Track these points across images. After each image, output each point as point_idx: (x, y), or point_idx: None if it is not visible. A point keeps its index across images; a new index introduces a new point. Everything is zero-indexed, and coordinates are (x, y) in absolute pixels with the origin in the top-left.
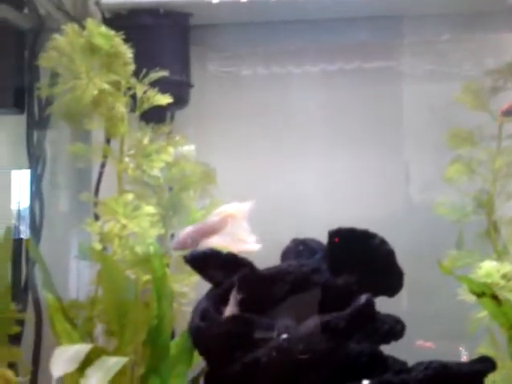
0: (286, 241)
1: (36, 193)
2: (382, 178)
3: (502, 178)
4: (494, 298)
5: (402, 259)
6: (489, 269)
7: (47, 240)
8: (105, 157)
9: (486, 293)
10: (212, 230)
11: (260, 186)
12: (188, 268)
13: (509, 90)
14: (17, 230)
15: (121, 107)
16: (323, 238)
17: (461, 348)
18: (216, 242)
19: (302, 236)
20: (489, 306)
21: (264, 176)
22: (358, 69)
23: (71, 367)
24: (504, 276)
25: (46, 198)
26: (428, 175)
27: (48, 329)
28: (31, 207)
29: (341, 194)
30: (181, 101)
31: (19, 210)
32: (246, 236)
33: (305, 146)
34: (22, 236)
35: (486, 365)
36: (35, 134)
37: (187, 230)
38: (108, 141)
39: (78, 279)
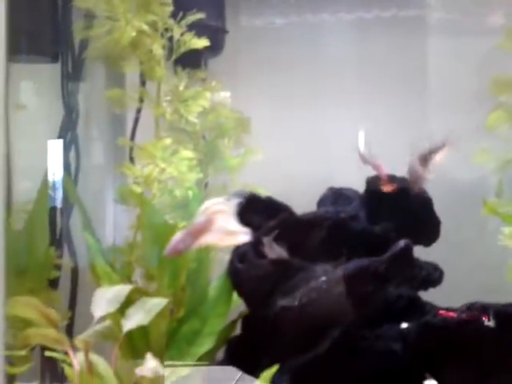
0: (319, 191)
1: (71, 140)
2: (418, 128)
3: None
4: None
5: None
6: None
7: (83, 187)
8: (141, 101)
9: None
10: (201, 230)
11: (293, 136)
12: None
13: None
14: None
15: (158, 49)
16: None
17: None
18: (207, 241)
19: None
20: None
21: (297, 126)
22: (394, 17)
23: (112, 307)
24: None
25: (81, 146)
26: (465, 125)
27: (83, 276)
28: (66, 156)
29: (376, 144)
30: (216, 47)
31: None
32: (235, 229)
33: (338, 96)
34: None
35: None
36: (69, 83)
37: (177, 236)
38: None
39: (114, 225)
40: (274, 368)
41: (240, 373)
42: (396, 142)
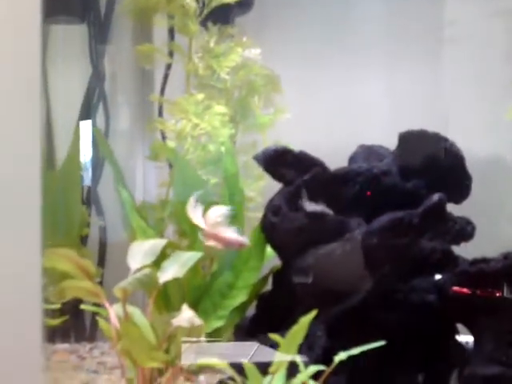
0: (349, 149)
1: (100, 96)
2: (445, 90)
3: None
4: None
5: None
6: None
7: (113, 145)
8: (170, 56)
9: None
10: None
11: (322, 95)
12: (256, 172)
13: None
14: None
15: (192, 3)
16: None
17: None
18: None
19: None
20: None
21: (326, 84)
22: None
23: (148, 260)
24: None
25: (110, 103)
26: (495, 85)
27: (111, 234)
28: (94, 114)
29: (403, 105)
30: (246, 3)
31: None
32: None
33: (368, 55)
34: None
35: None
36: (97, 42)
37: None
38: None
39: (144, 183)
40: (312, 315)
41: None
42: (421, 100)
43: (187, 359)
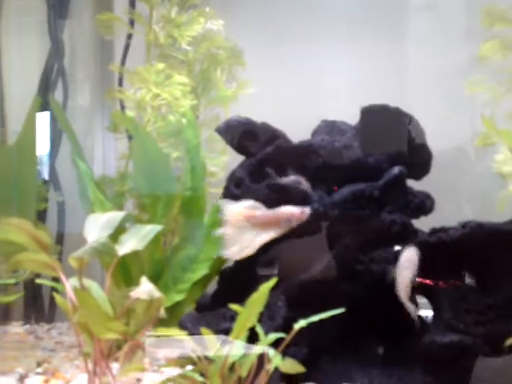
0: (311, 124)
1: (59, 69)
2: (406, 66)
3: None
4: None
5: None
6: None
7: (71, 117)
8: (131, 26)
9: None
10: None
11: (286, 70)
12: (218, 147)
13: None
14: None
15: None
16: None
17: None
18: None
19: None
20: None
21: (290, 60)
22: None
23: (105, 233)
24: None
25: (69, 75)
26: (459, 62)
27: (70, 214)
28: (53, 85)
29: (366, 80)
30: None
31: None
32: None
33: (332, 32)
34: None
35: None
36: (56, 14)
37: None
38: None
39: (104, 156)
40: (271, 283)
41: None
42: (384, 77)
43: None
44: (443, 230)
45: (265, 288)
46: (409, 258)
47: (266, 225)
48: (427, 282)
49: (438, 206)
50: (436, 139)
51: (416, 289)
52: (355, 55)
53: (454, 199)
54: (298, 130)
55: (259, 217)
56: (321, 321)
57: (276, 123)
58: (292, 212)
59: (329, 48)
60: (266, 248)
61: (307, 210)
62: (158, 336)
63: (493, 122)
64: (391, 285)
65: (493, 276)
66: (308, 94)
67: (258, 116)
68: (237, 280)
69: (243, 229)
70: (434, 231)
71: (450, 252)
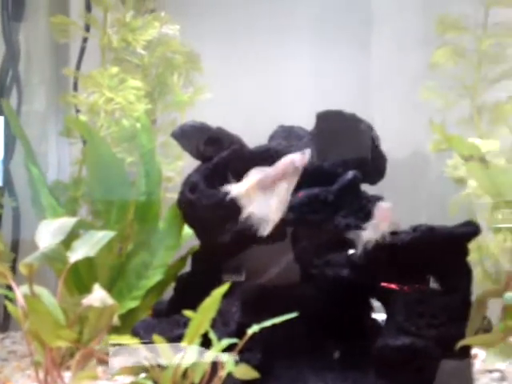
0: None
1: (14, 74)
2: (367, 73)
3: (486, 62)
4: (482, 160)
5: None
6: (474, 143)
7: (25, 122)
8: (87, 30)
9: (474, 155)
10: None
11: (244, 74)
12: (174, 152)
13: None
14: None
15: None
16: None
17: None
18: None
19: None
20: (476, 171)
21: (249, 65)
22: None
23: (57, 239)
24: (488, 152)
25: (23, 79)
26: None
27: (25, 220)
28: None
29: (326, 87)
30: None
31: None
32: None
33: (292, 38)
34: None
35: (470, 228)
36: (10, 18)
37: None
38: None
39: (59, 161)
40: (224, 288)
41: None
42: (344, 82)
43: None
44: (394, 233)
45: (217, 294)
46: (383, 210)
47: (276, 182)
48: (392, 286)
49: (397, 210)
50: (394, 144)
51: (368, 291)
52: (315, 60)
53: (412, 203)
54: (257, 134)
55: (265, 179)
56: (276, 325)
57: (235, 128)
58: (292, 159)
59: (287, 52)
60: (227, 255)
61: (307, 151)
62: (115, 345)
63: (444, 127)
64: (345, 288)
65: (445, 279)
66: (267, 98)
67: (216, 121)
68: (193, 286)
69: (259, 199)
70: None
71: (401, 255)
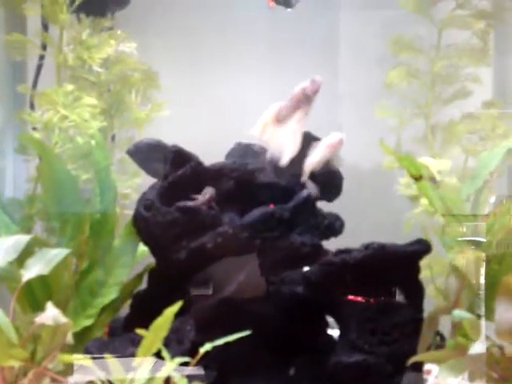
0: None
1: None
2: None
3: (439, 83)
4: (432, 180)
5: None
6: (426, 162)
7: None
8: (44, 48)
9: (424, 175)
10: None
11: (204, 94)
12: (131, 169)
13: None
14: None
15: None
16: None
17: None
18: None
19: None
20: (426, 190)
21: (208, 84)
22: None
23: (10, 257)
24: (440, 172)
25: None
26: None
27: None
28: None
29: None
30: None
31: None
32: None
33: (249, 59)
34: None
35: (421, 246)
36: None
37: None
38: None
39: (14, 178)
40: (176, 307)
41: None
42: None
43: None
44: (347, 251)
45: (169, 313)
46: (334, 140)
47: (292, 111)
48: (359, 299)
49: (355, 227)
50: (357, 160)
51: (323, 308)
52: (275, 78)
53: (371, 219)
54: (217, 151)
55: (280, 111)
56: (231, 343)
57: (193, 145)
58: (303, 87)
59: (247, 74)
60: (183, 273)
61: (318, 77)
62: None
63: (399, 146)
64: (300, 305)
65: (397, 296)
66: (226, 115)
67: (175, 138)
68: (149, 303)
69: (279, 131)
70: (339, 252)
71: (353, 273)
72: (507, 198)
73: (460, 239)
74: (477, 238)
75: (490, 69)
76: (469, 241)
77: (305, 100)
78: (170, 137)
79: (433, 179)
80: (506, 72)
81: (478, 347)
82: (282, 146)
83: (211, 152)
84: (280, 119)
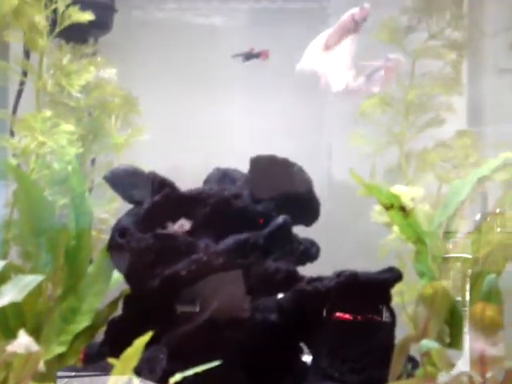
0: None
1: None
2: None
3: (413, 111)
4: (402, 209)
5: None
6: (398, 191)
7: None
8: (24, 74)
9: (394, 204)
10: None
11: (182, 118)
12: (109, 194)
13: (422, 30)
14: None
15: (41, 19)
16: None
17: None
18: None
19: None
20: (397, 219)
21: (186, 108)
22: (281, 9)
23: None
24: (413, 199)
25: None
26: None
27: None
28: None
29: (263, 131)
30: (104, 25)
31: None
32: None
33: (230, 83)
34: None
35: (392, 274)
36: None
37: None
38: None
39: None
40: (147, 337)
41: None
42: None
43: None
44: (319, 279)
45: (139, 343)
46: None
47: (340, 38)
48: (346, 317)
49: (333, 254)
50: (333, 187)
51: (295, 335)
52: (249, 106)
53: (348, 246)
54: (195, 176)
55: (328, 39)
56: (205, 371)
57: (173, 170)
58: (351, 13)
59: (228, 99)
60: (157, 300)
61: (367, 4)
62: None
63: (374, 174)
64: (274, 333)
65: (368, 324)
66: (205, 140)
67: (155, 163)
68: (124, 330)
69: (328, 59)
70: (312, 280)
71: (325, 301)
72: (491, 214)
73: (445, 256)
74: (462, 255)
75: (462, 97)
76: (453, 257)
77: (353, 26)
78: (151, 161)
79: (402, 208)
80: (479, 100)
81: (445, 377)
82: (333, 73)
83: (191, 176)
84: (329, 46)
